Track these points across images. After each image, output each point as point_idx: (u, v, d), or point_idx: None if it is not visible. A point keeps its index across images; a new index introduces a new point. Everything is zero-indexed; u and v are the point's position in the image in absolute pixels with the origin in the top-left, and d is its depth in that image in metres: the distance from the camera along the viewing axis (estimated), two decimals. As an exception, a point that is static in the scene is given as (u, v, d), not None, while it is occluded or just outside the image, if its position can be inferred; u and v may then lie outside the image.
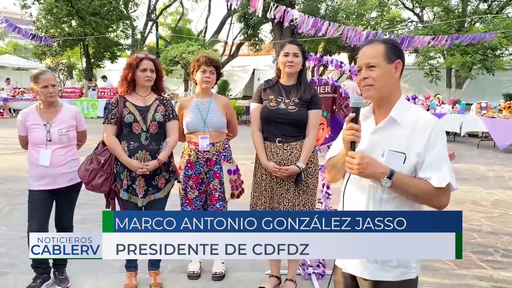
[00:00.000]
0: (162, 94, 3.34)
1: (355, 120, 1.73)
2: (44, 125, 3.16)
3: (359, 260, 1.80)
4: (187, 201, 3.40)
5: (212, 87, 3.49)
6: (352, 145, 1.72)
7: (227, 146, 3.48)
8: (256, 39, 22.06)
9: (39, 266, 3.26)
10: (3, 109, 16.72)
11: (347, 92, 3.57)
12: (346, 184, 1.82)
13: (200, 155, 3.34)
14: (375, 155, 1.72)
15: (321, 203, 3.58)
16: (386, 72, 1.73)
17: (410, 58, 15.34)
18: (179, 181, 3.41)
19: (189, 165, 3.37)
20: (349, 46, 18.08)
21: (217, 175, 3.38)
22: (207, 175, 3.39)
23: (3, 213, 5.15)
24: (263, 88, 3.17)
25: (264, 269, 3.65)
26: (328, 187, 3.57)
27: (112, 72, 26.20)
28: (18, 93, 17.53)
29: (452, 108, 12.33)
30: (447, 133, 12.41)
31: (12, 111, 16.82)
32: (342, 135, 1.76)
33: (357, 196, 1.80)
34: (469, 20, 15.91)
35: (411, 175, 1.69)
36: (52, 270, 3.38)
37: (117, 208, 3.23)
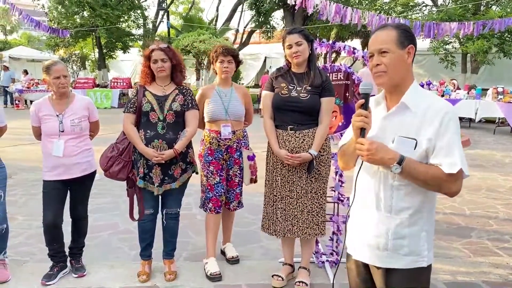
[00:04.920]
0: (183, 84, 3.31)
1: (365, 106, 1.71)
2: (57, 115, 3.18)
3: (370, 248, 1.80)
4: (209, 187, 3.40)
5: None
6: (362, 131, 1.70)
7: (245, 133, 3.55)
8: (268, 26, 21.88)
9: (56, 255, 3.32)
10: (19, 101, 16.95)
11: (360, 79, 3.52)
12: (359, 171, 1.80)
13: (221, 143, 3.37)
14: (386, 142, 1.70)
15: (334, 191, 3.56)
16: (399, 57, 1.69)
17: (425, 43, 15.05)
18: (196, 173, 3.41)
19: (209, 152, 3.40)
20: (363, 32, 17.85)
21: (237, 161, 3.44)
22: (227, 162, 3.43)
23: (20, 203, 5.24)
24: (275, 76, 3.14)
25: (277, 257, 3.66)
26: (341, 175, 3.54)
27: (125, 62, 26.32)
28: (33, 84, 17.73)
29: (468, 93, 12.12)
30: (462, 119, 12.23)
31: (27, 103, 17.03)
32: (352, 121, 1.74)
33: (369, 183, 1.79)
34: (484, 3, 15.50)
35: (422, 162, 1.66)
36: (69, 258, 3.43)
37: (135, 196, 3.26)
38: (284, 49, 3.06)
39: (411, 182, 1.68)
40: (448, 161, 1.60)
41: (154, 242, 3.43)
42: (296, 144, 3.01)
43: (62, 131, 3.16)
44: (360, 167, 1.80)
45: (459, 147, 1.62)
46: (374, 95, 1.86)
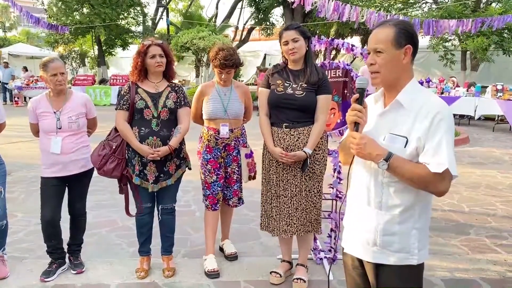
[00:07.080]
0: (173, 80, 3.33)
1: (359, 101, 1.71)
2: (54, 112, 3.18)
3: (362, 243, 1.81)
4: (206, 185, 3.42)
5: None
6: (356, 126, 1.71)
7: (243, 131, 3.54)
8: (267, 23, 21.81)
9: (55, 251, 3.32)
10: (18, 98, 16.93)
11: (359, 76, 3.51)
12: (350, 166, 1.82)
13: (219, 141, 3.37)
14: (380, 138, 1.71)
15: (332, 188, 3.56)
16: (393, 58, 1.68)
17: (424, 41, 15.00)
18: (189, 168, 3.42)
19: (207, 149, 3.40)
20: (362, 29, 17.79)
21: (235, 159, 3.45)
22: (225, 160, 3.43)
23: (19, 200, 5.24)
24: (271, 73, 3.13)
25: (275, 254, 3.67)
26: (339, 172, 3.54)
27: (125, 59, 26.26)
28: (32, 81, 17.71)
29: (467, 91, 12.11)
30: (462, 116, 12.23)
31: (26, 100, 17.00)
32: (346, 115, 1.75)
33: (361, 178, 1.81)
34: (484, 0, 15.47)
35: (412, 160, 1.66)
36: (67, 255, 3.44)
37: (130, 193, 3.26)
38: (280, 45, 3.06)
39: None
40: (435, 160, 1.60)
41: (152, 238, 3.43)
42: (291, 142, 3.00)
43: (60, 128, 3.16)
44: (352, 162, 1.81)
45: (448, 147, 1.61)
46: (371, 93, 1.86)
